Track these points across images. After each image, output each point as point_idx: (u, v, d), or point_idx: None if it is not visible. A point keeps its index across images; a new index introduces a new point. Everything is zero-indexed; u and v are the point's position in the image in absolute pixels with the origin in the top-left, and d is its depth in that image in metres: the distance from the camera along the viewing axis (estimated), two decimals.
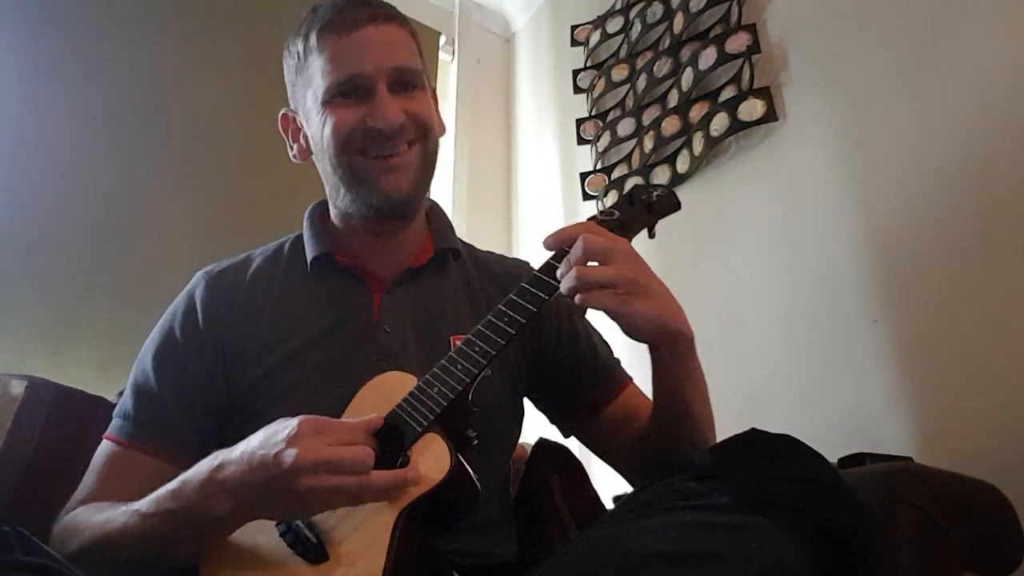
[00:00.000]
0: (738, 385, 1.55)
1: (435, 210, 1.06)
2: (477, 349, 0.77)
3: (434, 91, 1.04)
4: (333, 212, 1.00)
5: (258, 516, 0.69)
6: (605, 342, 1.05)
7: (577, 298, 0.74)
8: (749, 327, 1.58)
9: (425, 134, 0.94)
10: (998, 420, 1.14)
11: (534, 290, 0.79)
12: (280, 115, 1.01)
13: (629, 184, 1.93)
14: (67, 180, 1.74)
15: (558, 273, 0.78)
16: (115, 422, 0.88)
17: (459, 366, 0.77)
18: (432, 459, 0.71)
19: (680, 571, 0.53)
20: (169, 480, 0.74)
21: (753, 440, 0.64)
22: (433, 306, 0.96)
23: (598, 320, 1.03)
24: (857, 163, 1.46)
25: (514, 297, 0.80)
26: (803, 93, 1.60)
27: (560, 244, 0.79)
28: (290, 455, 0.63)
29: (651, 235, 0.88)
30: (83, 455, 0.87)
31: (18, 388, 1.01)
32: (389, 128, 0.89)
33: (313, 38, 0.91)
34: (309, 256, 0.96)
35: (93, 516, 0.76)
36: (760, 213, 1.63)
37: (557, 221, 2.29)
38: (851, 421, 1.35)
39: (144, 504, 0.71)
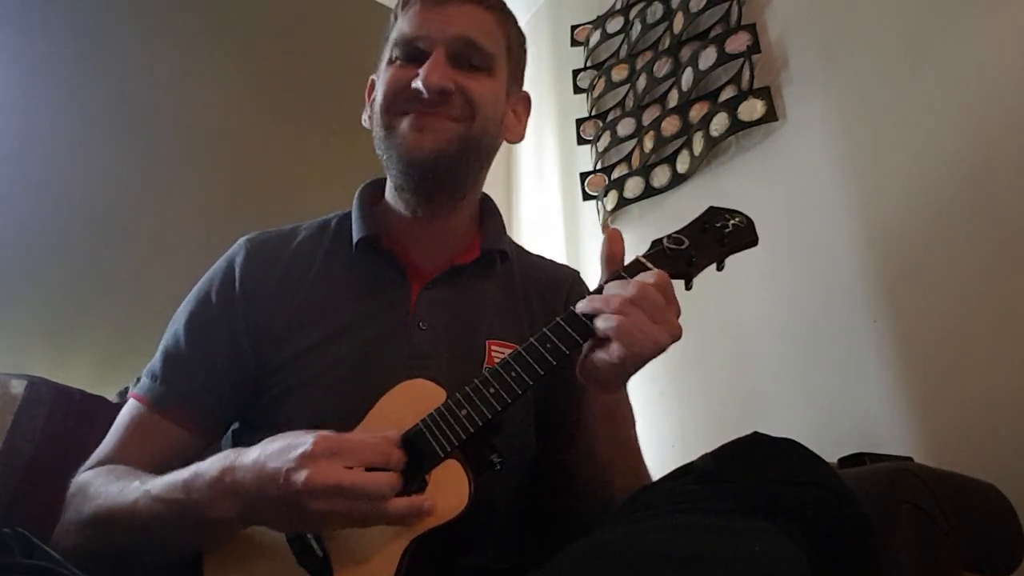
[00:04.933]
0: (738, 385, 1.55)
1: (489, 208, 1.02)
2: (514, 375, 0.72)
3: (528, 99, 1.01)
4: (388, 188, 0.97)
5: (263, 525, 0.68)
6: None
7: (613, 340, 0.69)
8: (749, 327, 1.58)
9: (472, 114, 0.88)
10: (998, 420, 1.14)
11: (584, 318, 0.74)
12: (369, 81, 1.00)
13: (629, 184, 1.93)
14: (67, 181, 1.74)
15: (598, 318, 0.72)
16: (143, 381, 0.87)
17: (491, 390, 0.72)
18: (450, 490, 0.69)
19: (682, 574, 0.52)
20: (190, 448, 0.75)
21: (755, 444, 0.64)
22: (472, 309, 0.92)
23: None
24: (857, 163, 1.46)
25: (561, 322, 0.74)
26: (803, 93, 1.60)
27: (617, 270, 0.75)
28: (301, 476, 0.62)
29: (719, 267, 0.81)
30: (83, 455, 0.87)
31: (18, 388, 1.01)
32: (427, 89, 0.85)
33: (400, 7, 0.92)
34: (355, 237, 0.92)
35: (108, 485, 0.76)
36: (760, 213, 1.61)
37: (557, 221, 2.29)
38: (851, 421, 1.35)
39: (156, 486, 0.71)
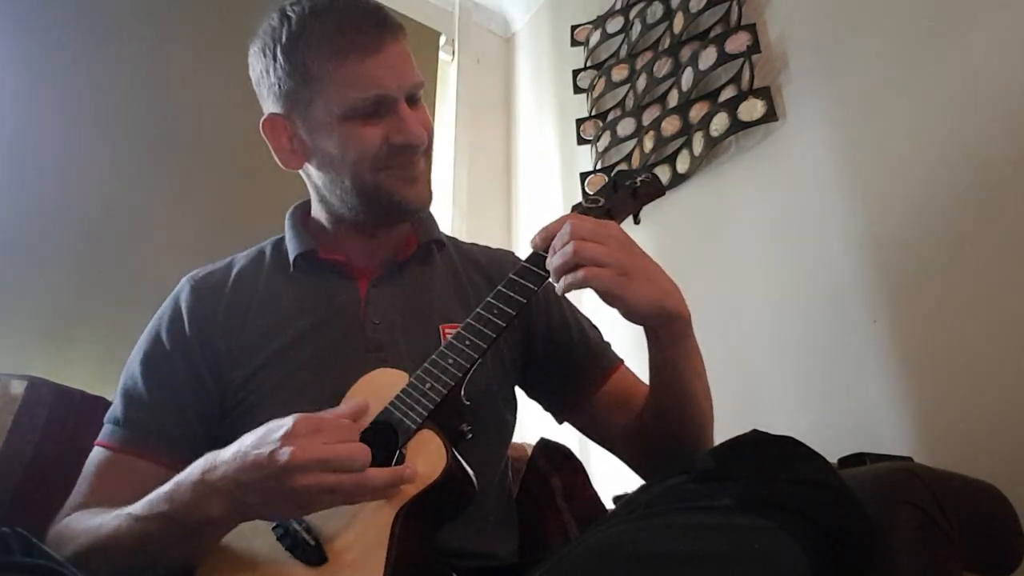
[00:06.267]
0: (738, 385, 1.55)
1: None
2: (467, 343, 0.77)
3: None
4: (322, 215, 1.00)
5: (252, 517, 0.68)
6: (594, 326, 1.05)
7: (566, 279, 0.73)
8: (749, 327, 1.58)
9: (429, 144, 0.94)
10: (998, 420, 1.14)
11: (523, 281, 0.79)
12: (263, 121, 0.93)
13: None
14: (67, 180, 1.74)
15: (547, 261, 0.77)
16: (106, 428, 0.88)
17: (450, 360, 0.77)
18: (428, 456, 0.71)
19: (681, 572, 0.52)
20: (162, 482, 0.74)
21: (754, 441, 0.64)
22: (420, 296, 0.96)
23: (585, 304, 1.03)
24: (857, 163, 1.46)
25: (503, 289, 0.80)
26: (803, 93, 1.60)
27: (548, 238, 0.79)
28: (285, 454, 0.63)
29: (636, 221, 0.88)
30: (83, 455, 0.87)
31: (18, 388, 1.01)
32: (418, 144, 0.90)
33: (324, 52, 0.86)
34: (292, 254, 0.96)
35: (87, 521, 0.76)
36: (760, 213, 1.63)
37: None
38: (851, 421, 1.35)
39: (137, 507, 0.71)
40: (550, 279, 0.76)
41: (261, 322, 0.92)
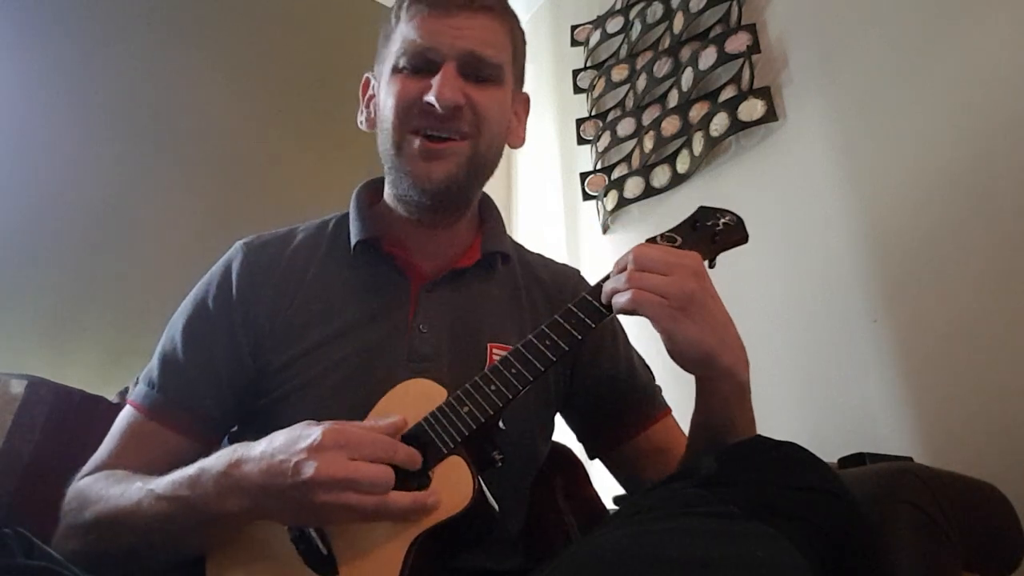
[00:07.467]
0: None
1: (489, 209, 1.01)
2: (514, 371, 0.74)
3: (527, 101, 1.00)
4: (387, 192, 0.96)
5: (269, 519, 0.69)
6: (647, 367, 1.01)
7: (619, 298, 0.71)
8: (749, 327, 1.57)
9: (479, 130, 0.87)
10: (998, 420, 1.14)
11: (581, 315, 0.75)
12: (363, 79, 0.97)
13: (629, 184, 1.93)
14: (68, 181, 1.74)
15: (605, 284, 0.74)
16: (140, 388, 0.87)
17: (493, 387, 0.73)
18: (454, 486, 0.69)
19: None
20: (188, 455, 0.74)
21: (758, 447, 0.64)
22: (473, 311, 0.92)
23: (642, 346, 1.01)
24: (857, 163, 1.46)
25: (559, 319, 0.76)
26: (803, 93, 1.60)
27: (619, 267, 0.75)
28: (309, 468, 0.62)
29: (711, 265, 0.82)
30: (83, 455, 0.87)
31: (18, 388, 1.01)
32: (442, 105, 0.83)
33: (404, 8, 0.88)
34: (353, 239, 0.91)
35: (109, 488, 0.75)
36: (760, 213, 1.63)
37: (557, 221, 2.29)
38: (851, 421, 1.35)
39: (160, 485, 0.71)
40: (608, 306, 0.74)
41: (307, 307, 0.88)
